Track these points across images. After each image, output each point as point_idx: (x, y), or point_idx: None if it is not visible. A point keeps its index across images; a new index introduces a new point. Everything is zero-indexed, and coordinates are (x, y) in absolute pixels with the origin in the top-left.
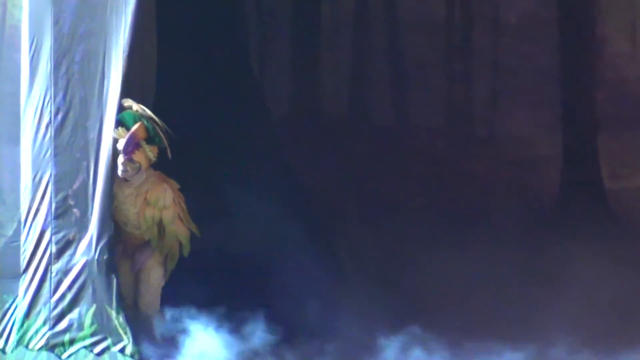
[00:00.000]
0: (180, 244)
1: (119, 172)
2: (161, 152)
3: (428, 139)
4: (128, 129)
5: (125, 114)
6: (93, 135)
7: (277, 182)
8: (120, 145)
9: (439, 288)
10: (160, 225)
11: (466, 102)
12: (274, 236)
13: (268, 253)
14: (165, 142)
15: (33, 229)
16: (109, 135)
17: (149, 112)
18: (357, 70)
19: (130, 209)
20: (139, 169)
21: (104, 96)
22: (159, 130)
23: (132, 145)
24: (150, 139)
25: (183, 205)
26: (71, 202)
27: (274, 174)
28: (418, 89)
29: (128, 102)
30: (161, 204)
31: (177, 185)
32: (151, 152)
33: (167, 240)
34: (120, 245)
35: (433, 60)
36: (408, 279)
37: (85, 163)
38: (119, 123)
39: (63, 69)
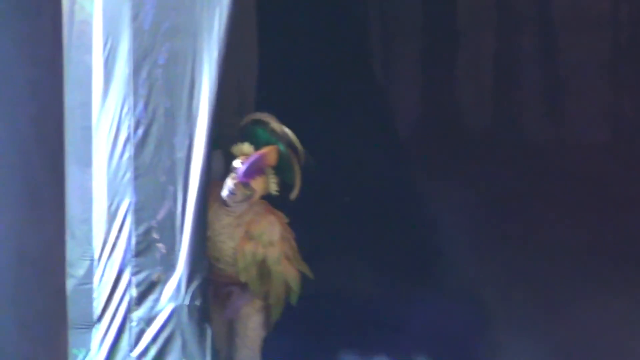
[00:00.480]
0: (287, 289)
1: (225, 193)
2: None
3: (591, 159)
4: (256, 148)
5: (259, 130)
6: (181, 154)
7: (404, 210)
8: (240, 165)
9: (606, 344)
10: (262, 265)
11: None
12: (400, 277)
13: (392, 298)
14: (298, 181)
15: (109, 269)
16: (200, 153)
17: (291, 136)
18: (502, 75)
19: (227, 242)
20: (249, 197)
21: (194, 107)
22: (296, 164)
23: (257, 170)
24: (279, 170)
25: (293, 243)
26: (155, 236)
27: (401, 200)
28: (577, 97)
29: (265, 117)
30: (266, 240)
31: (285, 219)
32: (274, 183)
33: (274, 284)
34: (211, 286)
35: (595, 64)
36: (567, 331)
37: (172, 188)
38: (246, 137)
39: (144, 74)
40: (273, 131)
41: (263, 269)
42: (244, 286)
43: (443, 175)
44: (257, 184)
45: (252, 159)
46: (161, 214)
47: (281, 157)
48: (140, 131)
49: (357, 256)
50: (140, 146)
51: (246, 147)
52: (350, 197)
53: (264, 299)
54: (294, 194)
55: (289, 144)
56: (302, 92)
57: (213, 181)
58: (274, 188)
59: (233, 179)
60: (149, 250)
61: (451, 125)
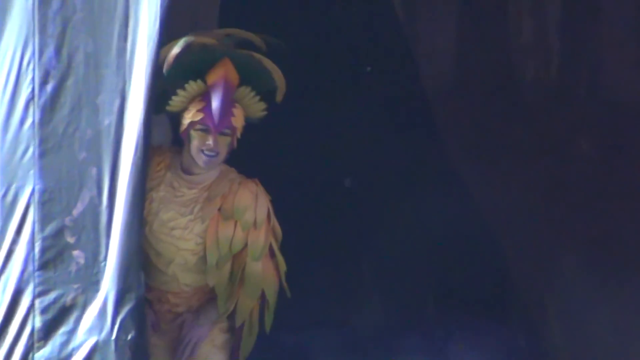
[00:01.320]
0: (263, 307)
1: (203, 160)
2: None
3: None
4: (205, 81)
5: (192, 57)
6: (109, 119)
7: (430, 201)
8: (201, 114)
9: None
10: (236, 261)
11: None
12: (428, 294)
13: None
14: (279, 76)
15: (2, 287)
16: (137, 119)
17: (231, 32)
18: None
19: (190, 228)
20: (229, 147)
21: (128, 51)
22: (266, 60)
23: (229, 103)
24: (250, 80)
25: (278, 230)
26: (69, 239)
27: (427, 188)
28: None
29: (200, 39)
30: (249, 219)
31: (268, 196)
32: (256, 103)
33: (245, 293)
34: (150, 312)
35: None
36: None
37: (94, 169)
38: (185, 76)
39: (56, 3)
40: (205, 47)
41: (234, 269)
42: (198, 312)
43: (491, 160)
44: (237, 119)
45: (215, 95)
46: (79, 208)
47: (241, 64)
48: (49, 87)
49: (363, 265)
50: (49, 109)
51: (194, 86)
52: (352, 179)
53: (228, 327)
54: (279, 95)
55: (238, 44)
56: (284, 25)
57: (157, 146)
58: (259, 109)
59: (203, 137)
60: (61, 260)
61: (510, 90)
